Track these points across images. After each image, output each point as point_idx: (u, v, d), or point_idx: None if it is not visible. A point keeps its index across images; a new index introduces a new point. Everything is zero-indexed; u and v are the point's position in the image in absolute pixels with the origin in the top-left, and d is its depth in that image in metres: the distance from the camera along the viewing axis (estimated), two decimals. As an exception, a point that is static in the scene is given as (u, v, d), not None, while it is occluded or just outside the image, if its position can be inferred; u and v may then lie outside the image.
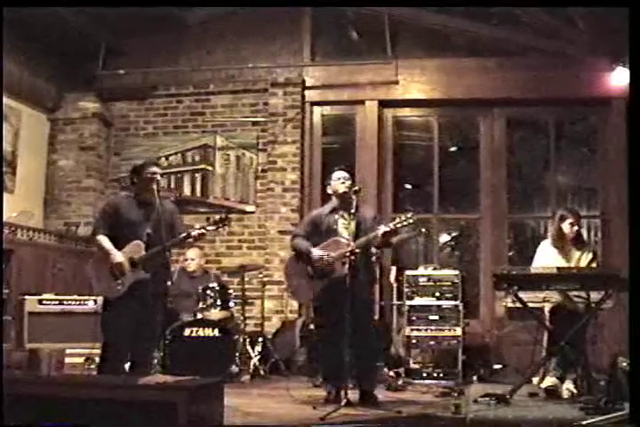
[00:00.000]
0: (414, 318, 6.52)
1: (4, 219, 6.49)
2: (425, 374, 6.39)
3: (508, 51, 7.44)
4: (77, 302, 5.97)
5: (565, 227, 5.33)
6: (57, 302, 5.93)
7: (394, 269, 6.65)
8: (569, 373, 5.04)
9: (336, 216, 4.87)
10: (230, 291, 6.44)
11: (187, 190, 7.82)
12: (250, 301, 6.94)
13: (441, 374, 6.37)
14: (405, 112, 7.90)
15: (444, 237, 8.18)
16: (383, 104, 7.69)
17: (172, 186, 7.76)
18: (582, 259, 5.31)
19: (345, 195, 4.87)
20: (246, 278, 6.76)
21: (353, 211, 4.78)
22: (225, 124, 7.85)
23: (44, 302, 5.89)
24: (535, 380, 5.31)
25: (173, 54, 7.95)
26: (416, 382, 6.18)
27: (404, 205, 7.91)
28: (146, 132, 8.00)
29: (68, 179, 7.80)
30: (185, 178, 7.84)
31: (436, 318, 6.49)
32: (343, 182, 4.91)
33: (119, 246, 4.69)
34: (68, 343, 5.83)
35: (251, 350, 6.34)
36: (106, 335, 4.71)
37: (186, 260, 6.80)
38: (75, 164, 7.82)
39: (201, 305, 6.23)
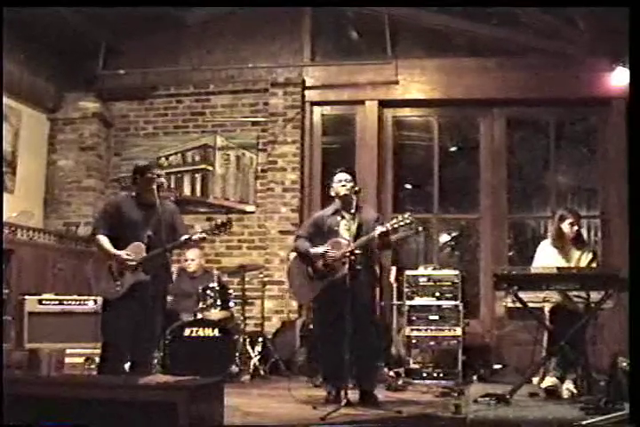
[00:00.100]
0: (414, 318, 6.52)
1: (4, 219, 6.49)
2: (425, 374, 6.39)
3: (508, 51, 7.44)
4: (77, 302, 5.96)
5: (565, 227, 5.33)
6: (57, 302, 5.93)
7: (394, 269, 6.65)
8: (569, 373, 5.04)
9: (338, 218, 4.88)
10: (230, 291, 6.44)
11: (187, 190, 7.82)
12: (250, 301, 6.94)
13: (441, 374, 6.37)
14: (405, 112, 7.90)
15: (444, 237, 8.18)
16: (383, 104, 7.68)
17: (172, 186, 7.75)
18: (582, 259, 5.31)
19: (346, 197, 4.88)
20: (246, 278, 6.76)
21: (353, 211, 4.80)
22: (225, 124, 7.85)
23: (43, 302, 5.89)
24: (535, 380, 5.31)
25: (173, 54, 7.95)
26: (416, 382, 6.18)
27: (404, 205, 7.91)
28: (146, 132, 8.00)
29: (68, 179, 7.80)
30: (185, 178, 7.84)
31: (436, 318, 6.49)
32: (344, 185, 4.91)
33: (120, 247, 4.69)
34: (68, 343, 5.83)
35: (251, 350, 6.34)
36: (105, 336, 4.72)
37: (186, 260, 6.81)
38: (75, 164, 7.81)
39: (201, 305, 6.23)
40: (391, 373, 6.11)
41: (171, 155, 7.88)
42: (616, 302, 4.89)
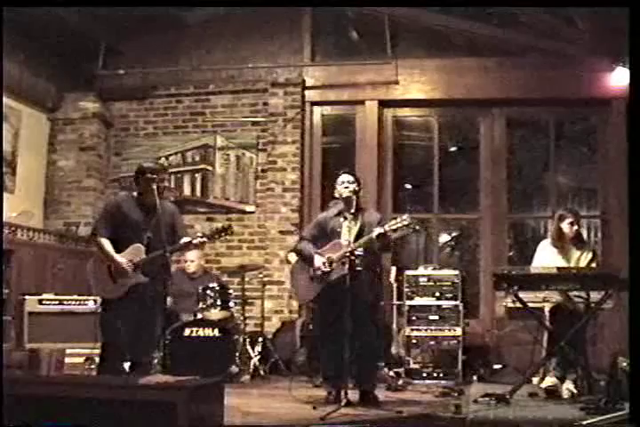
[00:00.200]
0: (414, 318, 6.52)
1: (4, 219, 6.48)
2: (425, 374, 6.39)
3: (507, 51, 7.44)
4: (77, 302, 5.96)
5: (565, 226, 5.34)
6: (57, 302, 5.92)
7: (394, 269, 6.65)
8: (569, 373, 5.05)
9: (341, 219, 4.89)
10: (230, 291, 6.43)
11: (187, 190, 7.82)
12: (250, 301, 6.93)
13: (441, 374, 6.37)
14: (405, 112, 7.90)
15: (444, 237, 8.18)
16: (383, 104, 7.68)
17: (172, 186, 7.75)
18: (582, 259, 5.32)
19: (349, 198, 4.89)
20: (246, 278, 6.76)
21: (353, 211, 4.83)
22: (225, 124, 7.85)
23: (43, 302, 5.88)
24: (535, 380, 5.32)
25: (173, 54, 7.95)
26: (416, 382, 6.18)
27: (404, 205, 7.91)
28: (146, 132, 7.99)
29: (68, 179, 7.79)
30: (185, 178, 7.83)
31: (436, 318, 6.49)
32: (347, 187, 4.92)
33: (119, 248, 4.70)
34: (68, 343, 5.82)
35: (251, 350, 6.34)
36: (105, 335, 4.72)
37: (185, 261, 6.80)
38: (75, 164, 7.81)
39: (201, 305, 6.22)
40: (391, 373, 6.11)
41: (171, 155, 7.88)
42: (616, 302, 4.90)
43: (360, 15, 7.74)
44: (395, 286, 6.58)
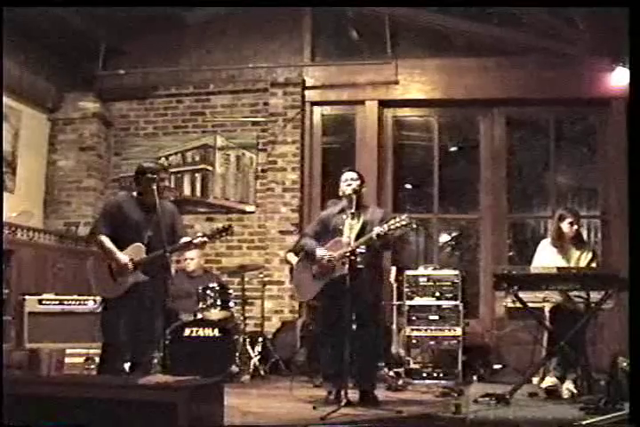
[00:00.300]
0: (414, 318, 6.52)
1: (4, 219, 6.48)
2: (425, 374, 6.39)
3: (507, 51, 7.44)
4: (77, 302, 5.96)
5: (564, 226, 5.34)
6: (57, 302, 5.92)
7: (394, 269, 6.65)
8: (569, 373, 5.05)
9: (344, 217, 4.89)
10: (230, 291, 6.43)
11: (187, 190, 7.82)
12: (250, 301, 6.93)
13: (441, 374, 6.37)
14: (405, 112, 7.90)
15: (444, 237, 8.17)
16: (383, 104, 7.69)
17: (172, 186, 7.74)
18: (582, 258, 5.32)
19: (352, 196, 4.89)
20: (246, 278, 6.76)
21: (356, 209, 4.83)
22: (225, 124, 7.85)
23: (43, 302, 5.88)
24: (535, 380, 5.31)
25: (173, 54, 7.95)
26: (416, 382, 6.18)
27: (404, 205, 7.91)
28: (146, 132, 7.99)
29: (68, 179, 7.79)
30: (185, 178, 7.84)
31: (436, 318, 6.49)
32: (350, 184, 4.93)
33: (120, 248, 4.70)
34: (68, 343, 5.82)
35: (251, 350, 6.34)
36: (106, 335, 4.72)
37: (185, 260, 6.80)
38: (75, 164, 7.81)
39: (201, 305, 6.22)
40: (391, 373, 6.10)
41: (171, 155, 7.88)
42: (616, 302, 4.90)
43: (360, 15, 7.74)
44: (395, 286, 6.58)
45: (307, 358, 6.30)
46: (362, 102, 7.69)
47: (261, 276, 6.92)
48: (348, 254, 4.64)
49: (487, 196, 7.56)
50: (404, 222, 4.63)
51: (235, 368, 6.02)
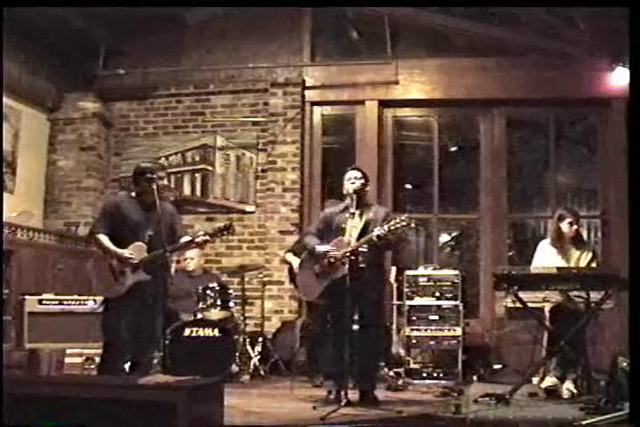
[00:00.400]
0: (414, 318, 6.52)
1: (4, 219, 6.48)
2: (425, 374, 6.39)
3: (507, 51, 7.44)
4: (77, 302, 5.96)
5: (564, 226, 5.34)
6: (57, 302, 5.92)
7: (394, 269, 6.65)
8: (569, 373, 5.05)
9: (347, 215, 4.88)
10: (230, 291, 6.43)
11: (187, 190, 7.82)
12: (250, 301, 6.94)
13: (441, 374, 6.37)
14: (405, 112, 7.90)
15: (444, 237, 8.17)
16: (383, 104, 7.68)
17: (172, 186, 7.75)
18: (582, 258, 5.32)
19: (355, 194, 4.88)
20: (246, 278, 6.76)
21: (359, 207, 4.84)
22: (225, 124, 7.85)
23: (43, 302, 5.88)
24: (535, 380, 5.31)
25: (174, 54, 7.95)
26: (416, 382, 6.18)
27: (404, 205, 7.92)
28: (146, 132, 7.99)
29: (68, 179, 7.79)
30: (185, 178, 7.84)
31: (436, 318, 6.49)
32: (353, 183, 4.93)
33: (120, 247, 4.70)
34: (68, 343, 5.82)
35: (251, 350, 6.34)
36: (106, 335, 4.72)
37: (185, 259, 6.80)
38: (75, 164, 7.81)
39: (201, 305, 6.22)
40: (391, 373, 6.11)
41: (171, 155, 7.88)
42: (616, 302, 4.90)
43: (360, 15, 7.74)
44: (395, 286, 6.59)
45: (307, 358, 6.30)
46: (362, 102, 7.69)
47: (261, 276, 6.92)
48: (348, 254, 4.65)
49: (487, 196, 7.56)
50: (403, 223, 4.63)
51: (235, 368, 6.02)
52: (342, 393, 4.42)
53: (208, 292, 6.24)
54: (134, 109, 8.04)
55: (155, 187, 4.67)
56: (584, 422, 3.76)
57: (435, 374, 6.37)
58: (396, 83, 7.57)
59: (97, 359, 5.23)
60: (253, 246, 7.60)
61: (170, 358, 5.62)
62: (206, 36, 7.93)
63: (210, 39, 7.93)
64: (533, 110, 7.70)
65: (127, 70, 7.80)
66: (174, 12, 7.54)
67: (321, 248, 4.85)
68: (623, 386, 4.19)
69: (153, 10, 7.07)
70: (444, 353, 6.41)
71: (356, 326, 4.69)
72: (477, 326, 7.16)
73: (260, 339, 6.53)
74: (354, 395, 4.65)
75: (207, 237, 4.74)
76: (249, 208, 7.69)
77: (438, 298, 6.54)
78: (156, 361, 5.27)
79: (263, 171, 7.70)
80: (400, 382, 5.91)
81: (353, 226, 4.82)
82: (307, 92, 7.73)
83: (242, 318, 6.47)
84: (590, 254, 5.34)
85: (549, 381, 5.04)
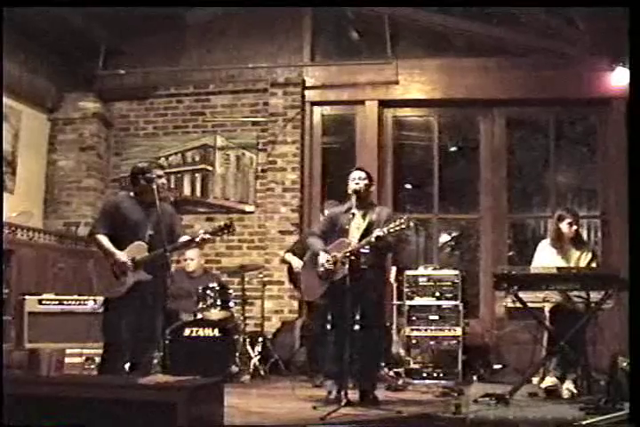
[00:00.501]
0: (414, 318, 6.52)
1: (4, 219, 6.48)
2: (425, 374, 6.39)
3: (507, 51, 7.44)
4: (77, 302, 5.95)
5: (564, 227, 5.34)
6: (57, 302, 5.92)
7: (394, 269, 6.65)
8: (569, 373, 5.05)
9: (350, 215, 4.87)
10: (230, 291, 6.43)
11: (187, 190, 7.82)
12: (250, 301, 6.94)
13: (441, 374, 6.37)
14: (405, 112, 7.90)
15: (444, 237, 8.17)
16: (383, 104, 7.68)
17: (172, 186, 7.75)
18: (581, 259, 5.32)
19: (359, 195, 4.89)
20: (246, 278, 6.76)
21: (363, 208, 4.85)
22: (225, 124, 7.85)
23: (43, 302, 5.88)
24: (535, 380, 5.31)
25: (174, 54, 7.95)
26: (416, 382, 6.18)
27: (404, 205, 7.92)
28: (146, 132, 7.99)
29: (68, 179, 7.79)
30: (185, 178, 7.84)
31: (436, 318, 6.49)
32: (357, 183, 4.93)
33: (120, 247, 4.69)
34: (68, 343, 5.82)
35: (251, 350, 6.34)
36: (106, 336, 4.71)
37: (185, 260, 6.80)
38: (75, 164, 7.81)
39: (201, 305, 6.22)
40: (391, 373, 6.11)
41: (171, 155, 7.88)
42: (616, 302, 4.90)
43: (360, 15, 7.74)
44: (395, 285, 6.59)
45: (307, 358, 6.30)
46: (362, 102, 7.69)
47: (261, 276, 6.93)
48: (348, 255, 4.65)
49: (487, 196, 7.56)
50: (403, 226, 4.63)
51: (235, 368, 6.02)
52: (342, 393, 4.42)
53: (208, 292, 6.24)
54: (134, 109, 8.04)
55: (155, 186, 4.66)
56: (584, 423, 3.77)
57: (435, 374, 6.37)
58: (396, 83, 7.57)
59: (97, 359, 5.23)
60: (253, 246, 7.60)
61: (170, 358, 5.62)
62: (206, 36, 7.93)
63: (210, 39, 7.93)
64: (533, 110, 7.70)
65: (127, 70, 7.80)
66: (174, 11, 7.54)
67: (322, 258, 4.84)
68: (623, 386, 4.19)
69: (153, 10, 7.07)
70: (444, 353, 6.41)
71: (357, 327, 4.70)
72: (477, 326, 7.16)
73: (260, 339, 6.53)
74: (354, 395, 4.65)
75: (207, 236, 4.73)
76: (249, 208, 7.69)
77: (438, 298, 6.54)
78: (156, 361, 5.27)
79: (263, 171, 7.70)
80: (400, 382, 5.91)
81: (356, 227, 4.82)
82: (307, 92, 7.73)
83: (242, 318, 6.47)
84: (590, 255, 5.34)
85: (549, 381, 5.05)
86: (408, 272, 6.69)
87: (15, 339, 5.73)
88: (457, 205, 8.01)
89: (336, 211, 5.13)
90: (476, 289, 7.39)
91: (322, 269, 4.83)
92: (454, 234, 8.25)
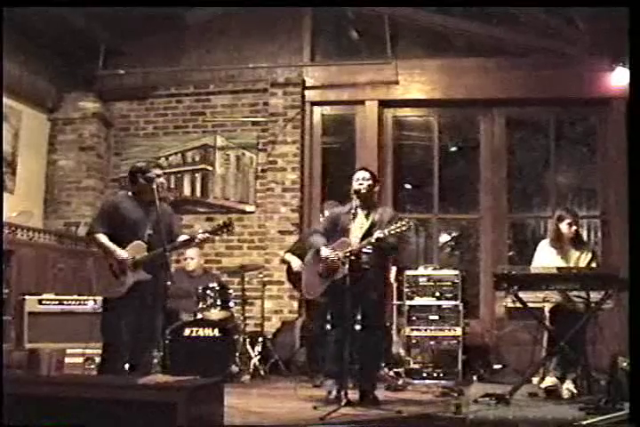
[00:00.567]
0: (414, 318, 6.52)
1: (4, 219, 6.48)
2: (425, 374, 6.39)
3: (507, 51, 7.44)
4: (77, 302, 5.95)
5: (563, 227, 5.34)
6: (57, 302, 5.92)
7: (394, 269, 6.64)
8: (569, 373, 5.05)
9: (352, 215, 4.87)
10: (230, 291, 6.43)
11: (187, 190, 7.82)
12: (250, 301, 6.94)
13: (441, 374, 6.37)
14: (405, 112, 7.90)
15: (444, 237, 8.17)
16: (383, 104, 7.68)
17: (172, 186, 7.75)
18: (581, 259, 5.32)
19: (362, 195, 4.87)
20: (246, 278, 6.76)
21: (363, 211, 4.85)
22: (225, 124, 7.85)
23: (43, 302, 5.88)
24: (535, 380, 5.31)
25: (174, 54, 7.95)
26: (416, 382, 6.18)
27: (404, 205, 7.92)
28: (146, 132, 7.99)
29: (68, 179, 7.79)
30: (185, 178, 7.84)
31: (436, 318, 6.49)
32: (361, 184, 4.92)
33: (119, 246, 4.69)
34: (68, 343, 5.82)
35: (251, 350, 6.34)
36: (106, 336, 4.71)
37: (185, 259, 6.80)
38: (75, 164, 7.81)
39: (201, 305, 6.22)
40: (391, 373, 6.11)
41: (171, 155, 7.88)
42: (616, 302, 4.90)
43: (360, 15, 7.74)
44: (395, 285, 6.59)
45: (307, 358, 6.30)
46: (362, 102, 7.69)
47: (261, 276, 6.93)
48: (348, 255, 4.65)
49: (487, 196, 7.56)
50: (404, 228, 4.63)
51: (235, 368, 6.02)
52: (342, 393, 4.42)
53: (208, 292, 6.24)
54: (134, 109, 8.04)
55: (154, 186, 4.66)
56: (584, 423, 3.77)
57: (435, 374, 6.37)
58: (396, 83, 7.57)
59: (97, 359, 5.23)
60: (253, 246, 7.60)
61: (170, 358, 5.63)
62: (206, 36, 7.92)
63: (210, 39, 7.93)
64: (533, 110, 7.70)
65: (127, 70, 7.80)
66: (174, 11, 7.54)
67: (324, 252, 4.84)
68: (623, 386, 4.19)
69: (153, 10, 7.07)
70: (444, 353, 6.41)
71: (357, 326, 4.70)
72: (477, 326, 7.16)
73: (260, 339, 6.53)
74: (354, 395, 4.65)
75: (206, 235, 4.73)
76: (249, 208, 7.69)
77: (438, 298, 6.54)
78: (155, 361, 5.28)
79: (263, 171, 7.70)
80: (400, 382, 5.91)
81: (359, 226, 4.82)
82: (307, 92, 7.73)
83: (242, 318, 6.47)
84: (590, 255, 5.34)
85: (549, 381, 5.04)
86: (408, 272, 6.68)
87: (15, 339, 5.74)
88: (457, 205, 8.01)
89: (338, 211, 5.12)
90: (476, 289, 7.39)
91: (324, 264, 4.82)
92: (454, 234, 8.25)
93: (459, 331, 6.42)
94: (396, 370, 6.19)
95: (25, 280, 6.36)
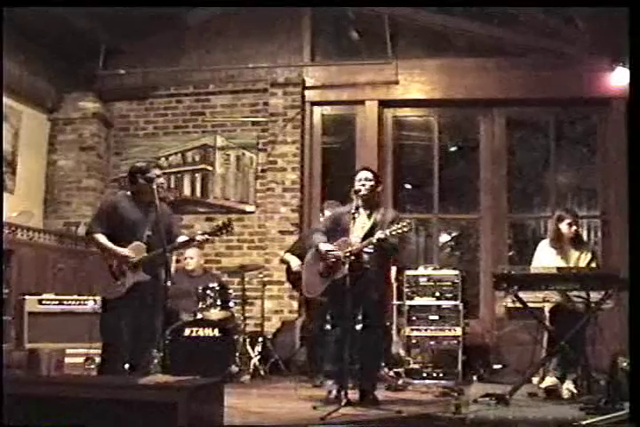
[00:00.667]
0: (414, 318, 6.52)
1: (4, 219, 6.48)
2: (425, 374, 6.39)
3: (507, 51, 7.45)
4: (77, 302, 5.96)
5: (563, 227, 5.34)
6: (57, 302, 5.92)
7: (394, 269, 6.63)
8: (569, 373, 5.05)
9: (354, 215, 4.87)
10: (230, 291, 6.43)
11: (187, 190, 7.82)
12: (250, 301, 6.93)
13: (441, 374, 6.37)
14: (405, 112, 7.90)
15: (444, 237, 8.17)
16: (383, 104, 7.68)
17: (172, 186, 7.75)
18: (581, 259, 5.32)
19: (364, 196, 4.87)
20: (246, 278, 6.76)
21: (364, 211, 4.85)
22: (225, 124, 7.85)
23: (43, 302, 5.89)
24: (535, 380, 5.31)
25: (173, 54, 7.95)
26: (416, 382, 6.18)
27: (404, 205, 7.92)
28: (146, 132, 7.99)
29: (68, 179, 7.79)
30: (185, 178, 7.83)
31: (436, 318, 6.49)
32: (363, 184, 4.91)
33: (119, 247, 4.69)
34: (68, 343, 5.82)
35: (251, 350, 6.34)
36: (105, 336, 4.71)
37: (185, 259, 6.80)
38: (75, 164, 7.81)
39: (201, 305, 6.22)
40: (391, 373, 6.11)
41: (171, 155, 7.88)
42: (616, 302, 4.90)
43: (360, 15, 7.74)
44: (395, 285, 6.58)
45: (307, 358, 6.30)
46: (362, 102, 7.69)
47: (261, 276, 6.93)
48: (348, 255, 4.64)
49: (487, 196, 7.56)
50: (405, 229, 4.63)
51: (235, 368, 6.02)
52: (342, 393, 4.42)
53: (208, 292, 6.24)
54: (134, 109, 8.04)
55: (154, 186, 4.66)
56: (584, 423, 3.77)
57: (435, 374, 6.37)
58: (396, 83, 7.57)
59: (97, 359, 5.23)
60: (253, 246, 7.60)
61: (170, 358, 5.61)
62: (206, 36, 7.92)
63: (209, 39, 7.93)
64: (533, 110, 7.70)
65: (127, 70, 7.80)
66: (174, 12, 7.54)
67: (324, 247, 4.84)
68: (623, 386, 4.19)
69: (153, 10, 7.07)
70: (444, 353, 6.41)
71: (358, 327, 4.69)
72: (477, 326, 7.16)
73: (260, 339, 6.53)
74: (354, 395, 4.65)
75: (206, 236, 4.73)
76: (249, 208, 7.69)
77: (438, 298, 6.54)
78: (156, 361, 5.28)
79: (263, 171, 7.70)
80: (400, 382, 5.91)
81: (361, 226, 4.82)
82: (307, 92, 7.74)
83: (242, 318, 6.47)
84: (590, 255, 5.34)
85: (549, 381, 5.05)
86: (408, 272, 6.68)
87: (15, 339, 5.74)
88: (457, 205, 8.01)
89: (340, 210, 5.12)
90: (476, 289, 7.39)
91: (323, 260, 4.81)
92: (454, 234, 8.25)
93: (459, 331, 6.42)
94: (396, 370, 6.19)
95: (25, 280, 6.36)
